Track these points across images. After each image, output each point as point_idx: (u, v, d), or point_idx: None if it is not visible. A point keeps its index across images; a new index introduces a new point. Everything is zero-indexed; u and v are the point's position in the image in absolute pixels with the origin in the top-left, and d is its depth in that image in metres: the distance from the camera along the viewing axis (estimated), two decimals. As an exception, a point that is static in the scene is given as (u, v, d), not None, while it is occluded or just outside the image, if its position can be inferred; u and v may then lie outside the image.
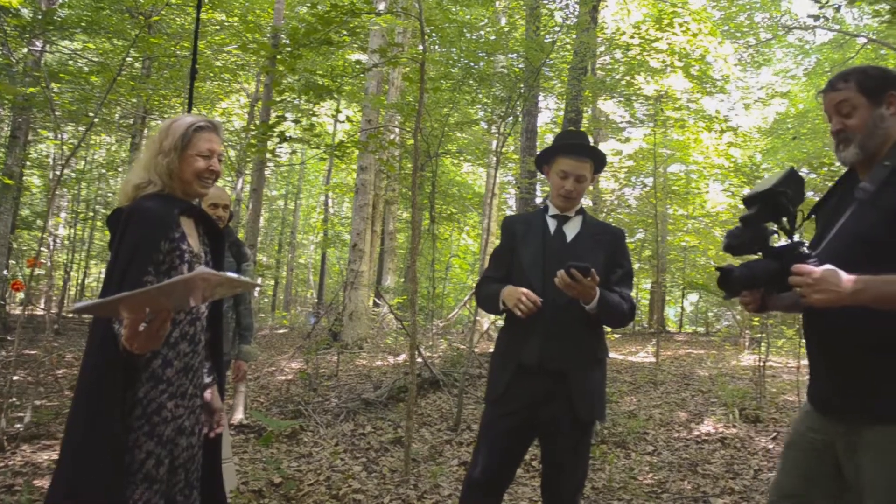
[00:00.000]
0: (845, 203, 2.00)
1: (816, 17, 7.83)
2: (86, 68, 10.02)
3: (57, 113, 9.50)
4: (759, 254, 2.05)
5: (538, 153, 2.91)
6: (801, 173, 2.06)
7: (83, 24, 9.11)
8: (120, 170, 16.47)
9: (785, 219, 2.00)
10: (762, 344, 8.23)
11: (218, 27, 13.27)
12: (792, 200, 1.98)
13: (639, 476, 4.88)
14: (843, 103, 1.98)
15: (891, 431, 1.82)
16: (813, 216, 2.20)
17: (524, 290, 2.59)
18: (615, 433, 5.89)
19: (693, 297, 21.64)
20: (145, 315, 1.79)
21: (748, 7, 15.02)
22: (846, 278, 1.76)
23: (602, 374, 2.77)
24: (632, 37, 9.77)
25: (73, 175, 15.27)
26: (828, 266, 1.79)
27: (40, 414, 5.92)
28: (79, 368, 2.08)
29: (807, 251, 1.91)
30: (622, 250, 2.84)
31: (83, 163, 18.00)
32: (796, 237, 1.99)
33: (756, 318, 8.75)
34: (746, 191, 2.15)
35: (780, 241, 2.02)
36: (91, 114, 9.40)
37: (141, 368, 2.03)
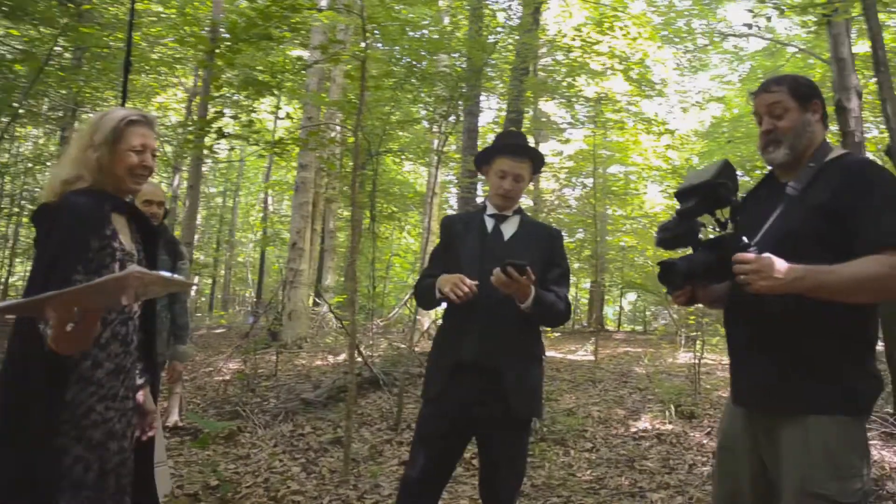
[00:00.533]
0: (770, 203, 2.09)
1: (750, 26, 8.08)
2: (8, 56, 9.56)
3: (-23, 103, 9.07)
4: (689, 247, 2.07)
5: (477, 153, 2.92)
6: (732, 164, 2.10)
7: (5, 8, 8.67)
8: (48, 164, 15.85)
9: (720, 210, 2.04)
10: (697, 342, 8.45)
11: (154, 18, 12.89)
12: (731, 192, 2.02)
13: (577, 473, 4.95)
14: (775, 105, 2.09)
15: (809, 422, 1.89)
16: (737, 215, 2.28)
17: (459, 275, 2.59)
18: (554, 431, 5.95)
19: (631, 296, 22.10)
20: (73, 315, 1.70)
21: (686, 13, 15.39)
22: (787, 266, 1.83)
23: (539, 371, 2.79)
24: (573, 39, 9.90)
25: (-5, 168, 14.64)
26: (768, 254, 1.86)
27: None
28: (0, 371, 1.98)
29: (746, 241, 1.95)
30: (559, 250, 2.87)
31: (7, 155, 17.25)
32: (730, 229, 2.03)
33: (692, 317, 8.97)
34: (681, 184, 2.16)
35: (710, 234, 2.06)
36: (15, 104, 9.00)
37: (69, 370, 1.94)
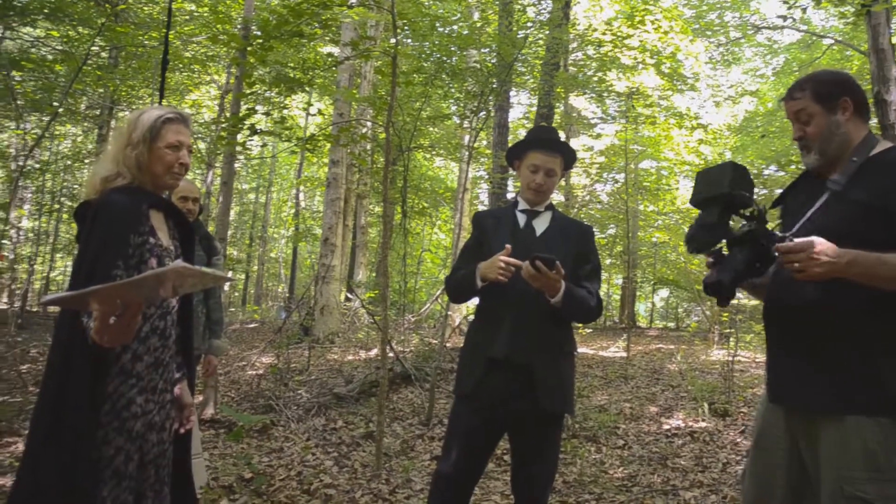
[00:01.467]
0: (809, 198, 2.05)
1: (784, 18, 7.96)
2: (49, 56, 9.77)
3: (19, 102, 9.28)
4: (721, 245, 2.02)
5: (509, 148, 2.91)
6: (742, 164, 2.05)
7: (46, 10, 8.86)
8: (86, 161, 16.16)
9: (746, 210, 1.98)
10: (731, 339, 8.35)
11: (188, 17, 13.07)
12: (747, 198, 1.96)
13: (609, 470, 4.93)
14: (800, 112, 2.05)
15: (847, 423, 1.86)
16: (778, 206, 2.25)
17: (496, 258, 2.57)
18: (586, 427, 5.93)
19: (663, 292, 21.90)
20: (117, 308, 1.75)
21: (718, 6, 15.18)
22: (837, 249, 1.78)
23: (570, 367, 2.78)
24: (604, 33, 9.82)
25: (36, 166, 14.94)
26: (815, 238, 1.80)
27: (3, 411, 5.79)
28: (45, 363, 2.04)
29: (780, 234, 1.90)
30: (591, 246, 2.85)
31: (48, 153, 17.63)
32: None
33: (725, 314, 8.87)
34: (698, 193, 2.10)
35: (737, 227, 2.01)
36: (55, 103, 9.20)
37: (110, 363, 1.99)
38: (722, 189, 1.97)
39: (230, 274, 22.71)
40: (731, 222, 2.01)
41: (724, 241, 2.01)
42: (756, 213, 1.97)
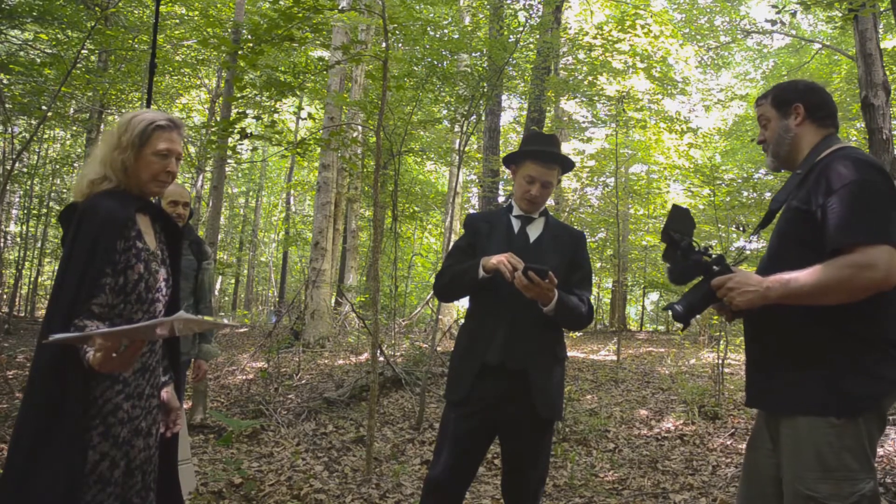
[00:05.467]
0: None
1: (774, 22, 8.00)
2: (38, 59, 9.71)
3: (7, 105, 9.22)
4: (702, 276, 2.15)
5: (508, 153, 2.90)
6: (682, 207, 2.24)
7: (35, 13, 8.80)
8: (75, 165, 16.08)
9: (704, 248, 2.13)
10: (721, 342, 8.37)
11: (178, 21, 13.03)
12: (680, 232, 2.13)
13: (600, 473, 4.93)
14: (761, 117, 2.21)
15: (800, 423, 1.91)
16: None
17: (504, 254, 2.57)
18: (577, 431, 5.93)
19: (653, 295, 21.95)
20: (120, 344, 1.80)
21: (709, 11, 15.27)
22: (757, 279, 1.92)
23: (562, 372, 2.80)
24: (594, 38, 9.86)
25: (24, 170, 14.85)
26: (739, 270, 1.98)
27: (-10, 416, 5.74)
28: (30, 368, 2.03)
29: (717, 268, 2.05)
30: (582, 252, 2.86)
31: (36, 157, 17.51)
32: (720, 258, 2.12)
33: (715, 318, 8.90)
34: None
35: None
36: (44, 107, 9.14)
37: (96, 368, 1.98)
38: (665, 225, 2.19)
39: (220, 278, 22.66)
40: (706, 253, 2.14)
41: (702, 274, 2.13)
42: (703, 248, 2.12)
